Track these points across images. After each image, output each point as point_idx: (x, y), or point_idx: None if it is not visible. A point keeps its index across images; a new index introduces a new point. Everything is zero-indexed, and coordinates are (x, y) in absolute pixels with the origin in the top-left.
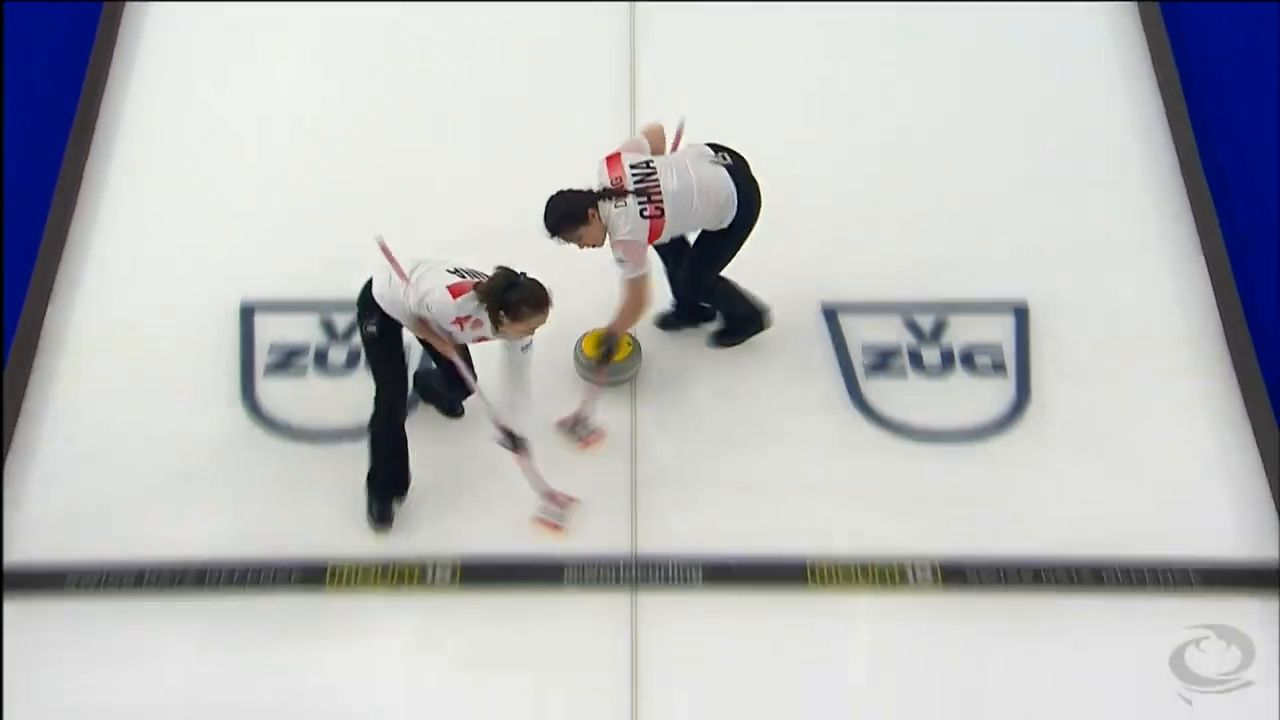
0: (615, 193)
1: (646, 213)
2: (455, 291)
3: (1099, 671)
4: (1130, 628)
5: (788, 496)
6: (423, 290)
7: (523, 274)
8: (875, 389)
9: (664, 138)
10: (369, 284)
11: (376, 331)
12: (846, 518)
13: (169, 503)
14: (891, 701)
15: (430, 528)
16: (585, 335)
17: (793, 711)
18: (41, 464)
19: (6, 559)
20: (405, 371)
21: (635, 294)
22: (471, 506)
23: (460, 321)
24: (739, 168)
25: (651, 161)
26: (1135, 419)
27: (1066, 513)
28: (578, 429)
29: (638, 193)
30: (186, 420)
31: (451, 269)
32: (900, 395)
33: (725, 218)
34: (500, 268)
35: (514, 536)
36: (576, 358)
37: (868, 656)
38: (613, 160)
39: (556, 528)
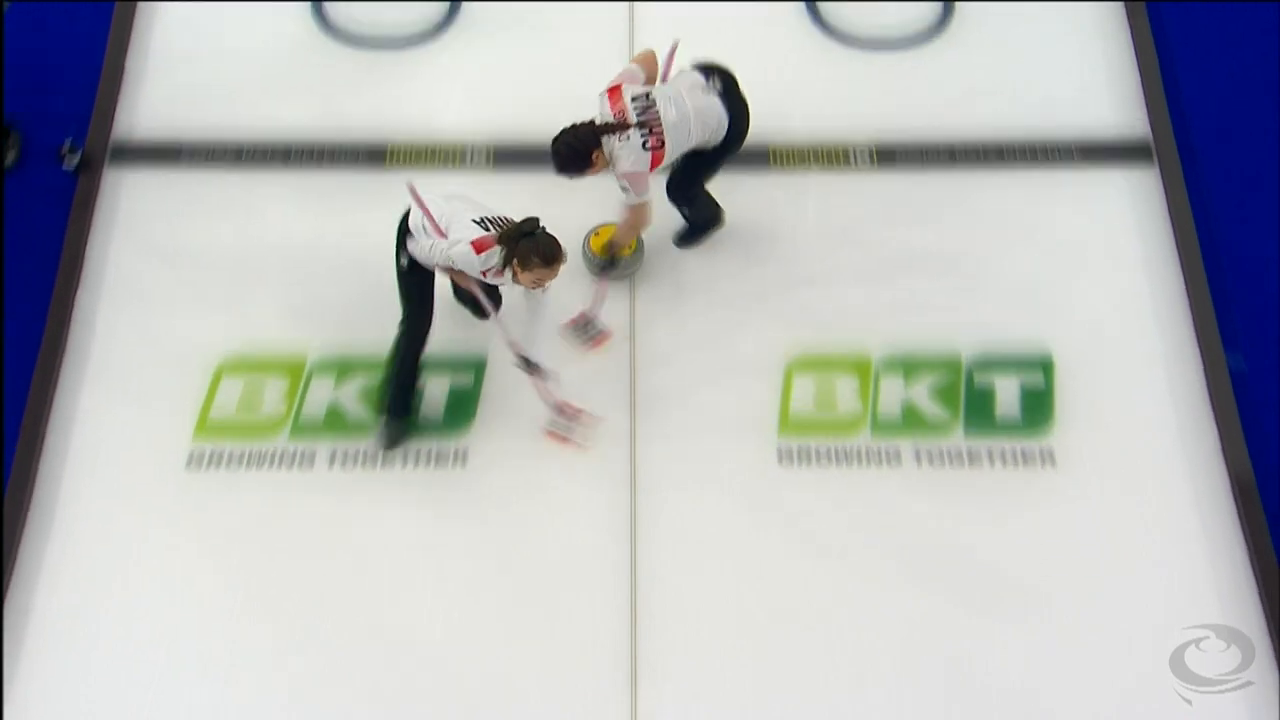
0: (618, 126)
1: (648, 144)
2: (479, 247)
3: (1000, 228)
4: (1027, 197)
5: (755, 95)
6: (449, 243)
7: (542, 228)
8: (829, 9)
9: (657, 63)
10: (407, 214)
11: (408, 265)
12: (802, 112)
13: (260, 94)
14: (835, 257)
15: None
16: (593, 233)
17: (759, 267)
18: (154, 60)
19: (133, 135)
20: (432, 306)
21: (636, 216)
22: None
23: (484, 272)
24: (729, 91)
25: (651, 93)
26: (1034, 33)
27: (978, 105)
28: (587, 329)
29: (639, 125)
30: (270, 27)
31: (477, 218)
32: (849, 12)
33: (717, 139)
34: (527, 219)
35: (542, 127)
36: (584, 254)
37: (815, 222)
38: (614, 93)
39: (566, 440)
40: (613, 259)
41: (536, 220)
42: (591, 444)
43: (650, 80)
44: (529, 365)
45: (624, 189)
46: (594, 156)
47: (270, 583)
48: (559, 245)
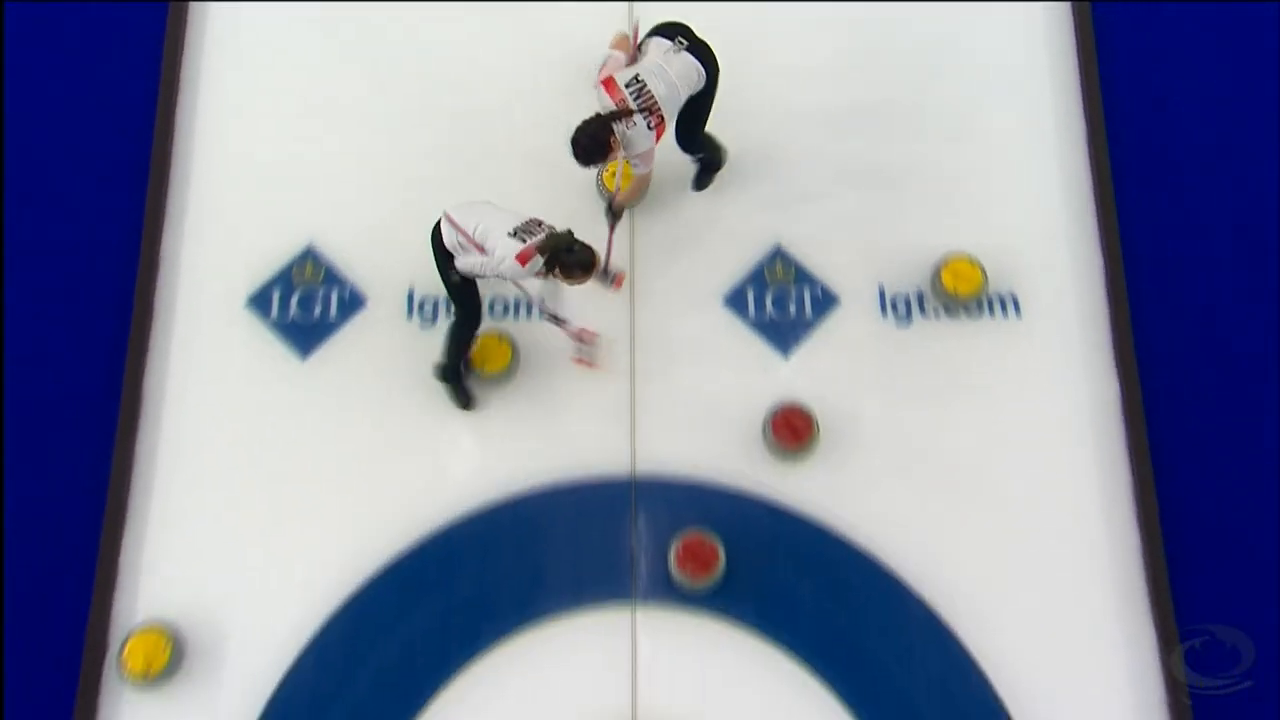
0: (624, 114)
1: (652, 125)
2: (522, 258)
3: None
4: None
5: None
6: (495, 259)
7: (580, 242)
8: None
9: (629, 43)
10: (438, 229)
11: (459, 279)
12: None
13: None
14: None
15: None
16: (605, 171)
17: None
18: None
19: None
20: (480, 304)
21: (641, 183)
22: None
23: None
24: (695, 44)
25: (638, 74)
26: None
27: None
28: (605, 275)
29: (640, 110)
30: None
31: (511, 231)
32: None
33: (700, 87)
34: (564, 233)
35: None
36: (598, 187)
37: None
38: (609, 85)
39: (590, 364)
40: (616, 214)
41: (571, 237)
42: (608, 365)
43: (630, 59)
44: (556, 319)
45: (635, 164)
46: (611, 143)
47: None
48: (595, 254)
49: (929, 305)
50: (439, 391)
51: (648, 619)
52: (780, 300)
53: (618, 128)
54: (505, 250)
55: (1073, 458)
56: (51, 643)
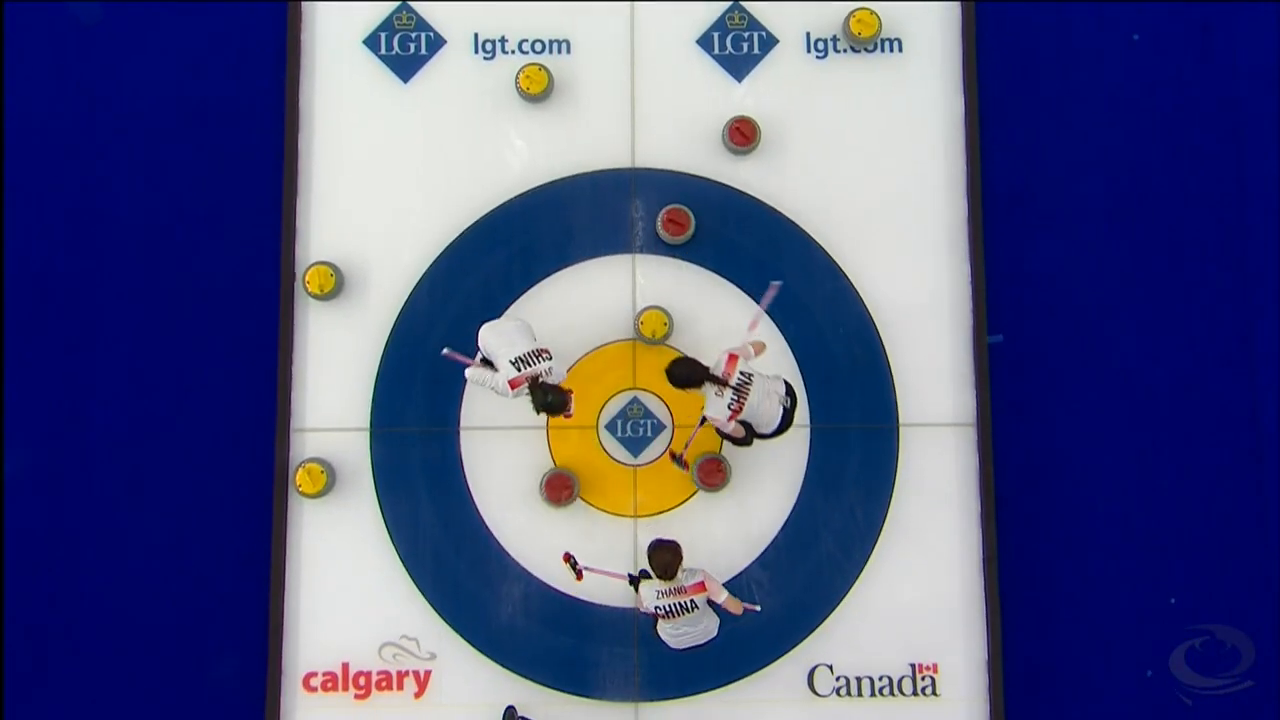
0: (722, 382)
1: (731, 406)
2: (513, 385)
3: None
4: None
5: None
6: (497, 380)
7: (554, 389)
8: None
9: (763, 351)
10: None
11: None
12: None
13: None
14: None
15: None
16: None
17: None
18: None
19: None
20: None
21: (731, 434)
22: None
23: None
24: (788, 412)
25: (753, 377)
26: None
27: None
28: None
29: (734, 389)
30: None
31: (513, 359)
32: None
33: (763, 429)
34: (552, 387)
35: None
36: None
37: None
38: (732, 360)
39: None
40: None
41: (549, 387)
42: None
43: (754, 356)
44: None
45: (714, 421)
46: (693, 387)
47: None
48: (569, 400)
49: (841, 45)
50: (501, 106)
51: (642, 262)
52: (736, 41)
53: (709, 386)
54: (504, 375)
55: (929, 147)
56: (258, 272)
